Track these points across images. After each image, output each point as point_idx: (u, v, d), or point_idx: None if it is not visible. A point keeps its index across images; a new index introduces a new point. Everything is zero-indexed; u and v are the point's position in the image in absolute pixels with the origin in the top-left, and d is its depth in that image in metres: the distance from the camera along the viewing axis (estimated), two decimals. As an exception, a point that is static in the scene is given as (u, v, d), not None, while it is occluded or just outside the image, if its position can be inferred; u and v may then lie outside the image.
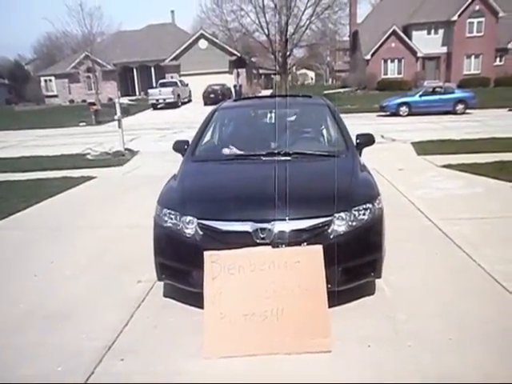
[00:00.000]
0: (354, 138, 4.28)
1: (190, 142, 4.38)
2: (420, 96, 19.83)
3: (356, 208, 3.14)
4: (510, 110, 19.25)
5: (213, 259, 2.94)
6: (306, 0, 28.95)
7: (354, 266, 3.13)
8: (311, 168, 3.82)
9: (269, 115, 4.87)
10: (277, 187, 3.12)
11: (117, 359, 2.79)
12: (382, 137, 12.58)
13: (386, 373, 2.55)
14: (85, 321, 3.28)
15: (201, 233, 3.12)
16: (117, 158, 11.08)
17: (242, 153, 4.06)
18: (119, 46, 38.91)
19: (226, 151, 4.23)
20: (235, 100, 6.26)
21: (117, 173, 9.42)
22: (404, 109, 19.66)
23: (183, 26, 46.22)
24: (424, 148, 10.09)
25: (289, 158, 3.80)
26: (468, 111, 19.12)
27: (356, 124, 12.53)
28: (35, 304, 3.57)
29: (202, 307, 2.93)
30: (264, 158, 3.84)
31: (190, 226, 3.16)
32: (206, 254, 2.95)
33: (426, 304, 3.29)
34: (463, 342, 2.80)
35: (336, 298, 3.03)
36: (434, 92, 20.03)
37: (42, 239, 5.17)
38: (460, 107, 19.12)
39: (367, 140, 4.36)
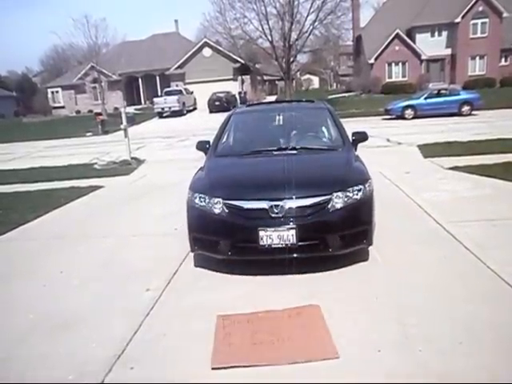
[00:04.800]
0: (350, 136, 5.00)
1: (212, 142, 5.19)
2: (425, 98, 19.76)
3: (350, 189, 3.90)
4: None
5: (225, 323, 3.19)
6: (308, 6, 29.04)
7: (349, 234, 3.89)
8: (314, 159, 4.62)
9: (277, 118, 5.58)
10: (286, 173, 4.01)
11: (127, 368, 2.80)
12: (388, 140, 12.49)
13: (397, 377, 2.53)
14: (94, 330, 3.30)
15: (226, 211, 3.90)
16: (124, 167, 11.18)
17: (256, 149, 4.80)
18: (124, 56, 39.24)
19: (242, 148, 4.95)
20: (247, 106, 7.35)
21: (124, 182, 9.48)
22: (409, 112, 19.60)
23: (187, 35, 46.37)
24: (430, 150, 10.03)
25: (295, 151, 4.62)
26: (474, 112, 19.00)
27: (361, 128, 12.49)
28: (45, 314, 3.59)
29: (227, 272, 3.94)
30: (275, 152, 4.66)
31: (218, 206, 3.93)
32: (219, 316, 3.26)
33: (435, 307, 3.26)
34: (474, 346, 2.77)
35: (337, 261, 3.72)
36: (439, 94, 19.97)
37: (50, 249, 5.21)
38: (466, 109, 19.01)
39: (361, 137, 5.13)
